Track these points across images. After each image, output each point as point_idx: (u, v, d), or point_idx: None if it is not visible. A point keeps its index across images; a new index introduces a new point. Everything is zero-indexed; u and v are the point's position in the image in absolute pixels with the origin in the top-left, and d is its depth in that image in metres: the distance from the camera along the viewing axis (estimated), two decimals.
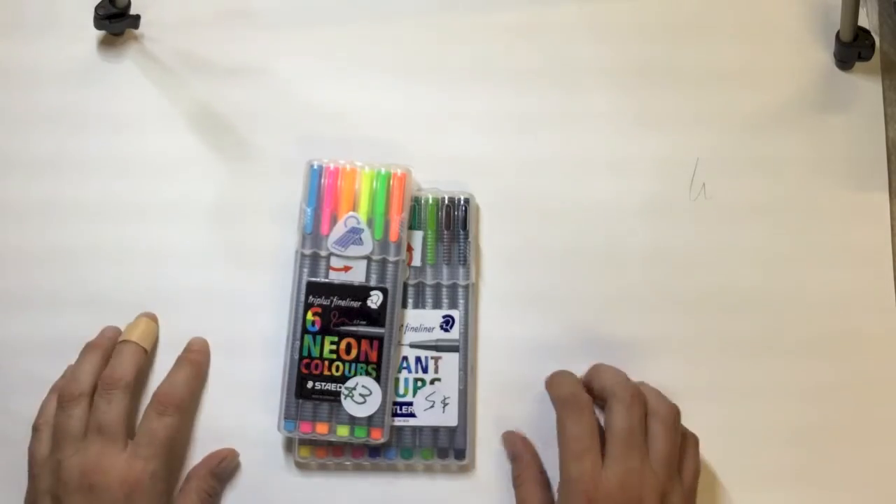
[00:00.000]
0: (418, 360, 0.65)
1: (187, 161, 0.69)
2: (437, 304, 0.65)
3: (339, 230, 0.65)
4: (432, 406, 0.64)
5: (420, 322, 0.65)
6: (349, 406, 0.63)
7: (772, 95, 0.69)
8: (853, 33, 0.67)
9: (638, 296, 0.67)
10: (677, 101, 0.69)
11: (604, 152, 0.69)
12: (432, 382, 0.64)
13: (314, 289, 0.64)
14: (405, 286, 0.65)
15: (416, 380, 0.65)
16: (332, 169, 0.65)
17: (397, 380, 0.64)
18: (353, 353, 0.64)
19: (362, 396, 0.64)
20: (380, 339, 0.64)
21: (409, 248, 0.65)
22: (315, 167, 0.66)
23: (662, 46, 0.70)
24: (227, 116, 0.69)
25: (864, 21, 0.68)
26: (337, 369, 0.64)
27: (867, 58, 0.68)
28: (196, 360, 0.65)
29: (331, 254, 0.65)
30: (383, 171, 0.66)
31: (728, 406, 0.65)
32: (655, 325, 0.66)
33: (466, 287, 0.66)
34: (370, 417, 0.63)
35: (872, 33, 0.68)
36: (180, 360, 0.65)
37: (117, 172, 0.68)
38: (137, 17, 0.69)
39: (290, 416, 0.64)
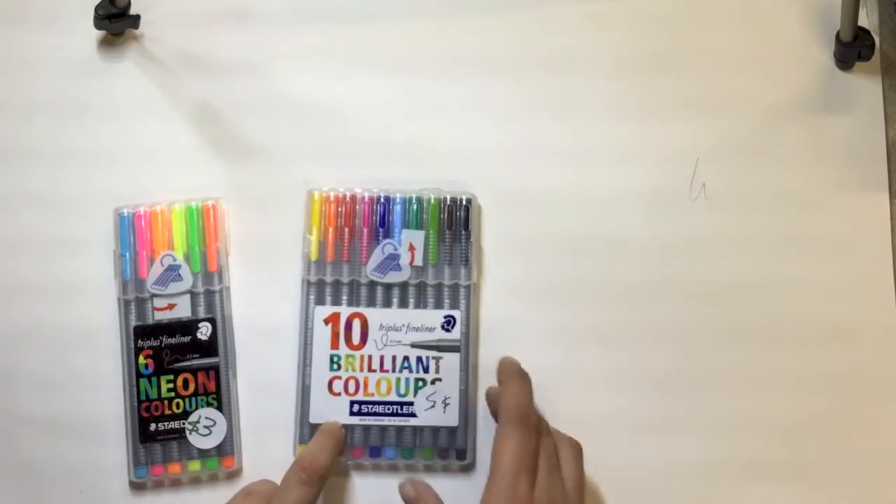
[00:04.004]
0: (419, 359, 0.64)
1: (187, 160, 0.68)
2: (438, 304, 0.65)
3: (157, 270, 0.64)
4: (433, 406, 0.64)
5: (421, 322, 0.64)
6: (195, 440, 0.63)
7: (772, 95, 0.69)
8: (853, 33, 0.67)
9: (638, 290, 0.66)
10: (677, 101, 0.69)
11: (604, 147, 0.68)
12: (433, 382, 0.64)
13: (142, 332, 0.64)
14: (406, 285, 0.65)
15: (416, 380, 0.64)
16: (141, 213, 0.65)
17: (398, 379, 0.64)
18: (192, 387, 0.63)
19: (207, 428, 0.63)
20: (215, 368, 0.64)
21: (412, 248, 0.65)
22: (124, 214, 0.65)
23: (662, 46, 0.70)
24: (226, 115, 0.69)
25: (864, 21, 0.68)
26: (178, 406, 0.63)
27: (867, 58, 0.68)
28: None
29: (153, 295, 0.64)
30: (193, 205, 0.65)
31: (726, 400, 0.65)
32: (656, 319, 0.66)
33: (468, 287, 0.65)
34: (219, 447, 0.63)
35: (872, 33, 0.68)
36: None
37: (117, 172, 0.68)
38: (137, 17, 0.69)
39: (140, 462, 0.63)
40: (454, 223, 0.66)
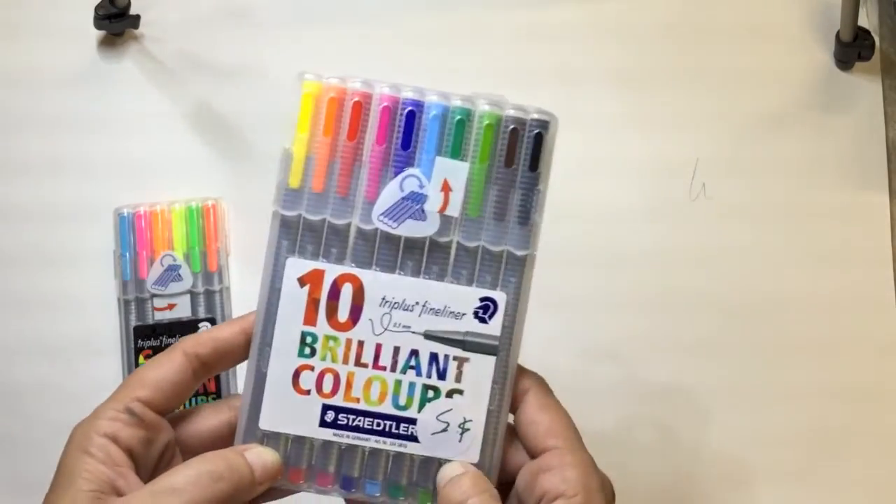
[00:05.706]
0: (434, 358, 0.45)
1: (187, 160, 0.69)
2: (475, 279, 0.45)
3: (157, 270, 0.64)
4: (445, 429, 0.45)
5: (445, 302, 0.45)
6: None
7: (772, 96, 0.69)
8: (853, 33, 0.67)
9: (638, 298, 0.66)
10: (677, 102, 0.69)
11: (603, 153, 0.68)
12: (450, 395, 0.45)
13: (142, 332, 0.64)
14: (431, 244, 0.45)
15: (425, 387, 0.45)
16: (141, 213, 0.65)
17: (399, 383, 0.45)
18: None
19: None
20: None
21: (446, 188, 0.45)
22: (124, 215, 0.65)
23: (663, 46, 0.70)
24: (227, 116, 0.69)
25: (864, 21, 0.68)
26: None
27: (867, 58, 0.68)
28: None
29: (153, 295, 0.64)
30: (193, 205, 0.65)
31: (727, 406, 0.65)
32: (655, 327, 0.66)
33: (523, 259, 0.45)
34: None
35: (872, 33, 0.68)
36: None
37: (117, 172, 0.68)
38: (137, 17, 0.69)
39: None
40: (516, 157, 0.46)
